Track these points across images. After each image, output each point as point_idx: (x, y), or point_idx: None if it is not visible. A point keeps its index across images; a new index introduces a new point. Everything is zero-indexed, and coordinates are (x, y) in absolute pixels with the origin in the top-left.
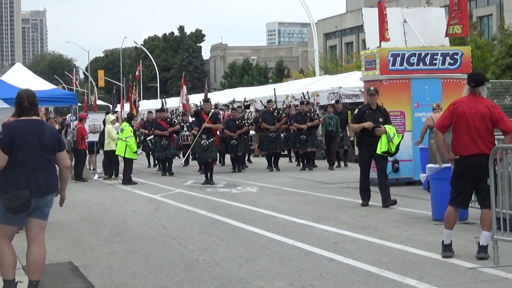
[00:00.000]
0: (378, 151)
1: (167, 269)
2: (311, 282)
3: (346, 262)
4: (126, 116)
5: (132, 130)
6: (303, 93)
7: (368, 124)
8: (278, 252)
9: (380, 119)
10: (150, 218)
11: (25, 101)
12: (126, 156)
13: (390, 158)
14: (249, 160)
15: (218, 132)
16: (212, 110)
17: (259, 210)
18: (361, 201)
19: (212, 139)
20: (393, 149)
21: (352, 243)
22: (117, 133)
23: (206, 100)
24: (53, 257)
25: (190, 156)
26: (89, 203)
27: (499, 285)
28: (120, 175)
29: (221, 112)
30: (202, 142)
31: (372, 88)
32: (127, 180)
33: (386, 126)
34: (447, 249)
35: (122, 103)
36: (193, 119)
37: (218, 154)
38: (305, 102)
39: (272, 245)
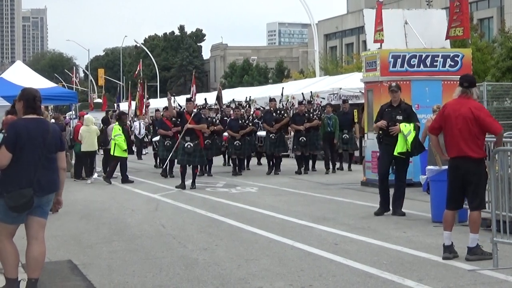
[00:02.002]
0: (395, 153)
1: (167, 268)
2: (310, 282)
3: (346, 263)
4: (116, 115)
5: (121, 129)
6: (302, 93)
7: (381, 124)
8: (277, 253)
9: (399, 117)
10: (150, 217)
11: (38, 100)
12: (115, 154)
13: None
14: (259, 163)
15: (227, 134)
16: (195, 110)
17: (258, 210)
18: (360, 203)
19: (196, 142)
20: (409, 148)
21: (351, 244)
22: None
23: (189, 99)
24: (52, 255)
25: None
26: (89, 202)
27: None
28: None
29: (232, 112)
30: (186, 145)
31: (393, 84)
32: (125, 179)
33: (402, 124)
34: (446, 251)
35: (130, 101)
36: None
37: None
38: (303, 102)
39: (272, 246)
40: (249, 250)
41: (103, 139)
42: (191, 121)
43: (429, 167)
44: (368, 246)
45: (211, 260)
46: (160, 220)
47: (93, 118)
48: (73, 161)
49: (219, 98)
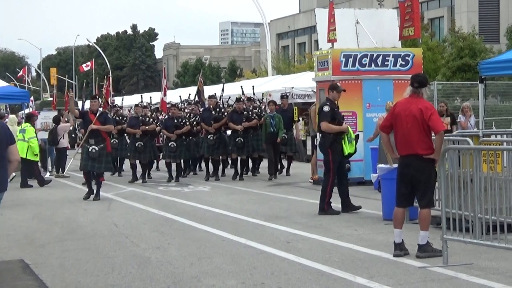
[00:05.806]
0: (346, 153)
1: (119, 267)
2: (262, 280)
3: (298, 261)
4: (25, 116)
5: (35, 131)
6: (241, 86)
7: (345, 128)
8: (230, 251)
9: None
10: (102, 217)
11: None
12: (27, 157)
13: None
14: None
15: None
16: (100, 109)
17: (211, 209)
18: (313, 201)
19: (102, 145)
20: (355, 149)
21: (303, 242)
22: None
23: (94, 97)
24: (4, 254)
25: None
26: (41, 201)
27: (448, 284)
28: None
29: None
30: (90, 149)
31: (339, 84)
32: (25, 184)
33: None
34: (397, 248)
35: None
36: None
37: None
38: (242, 99)
39: (224, 244)
40: (202, 248)
41: (53, 138)
42: (96, 121)
43: (380, 165)
44: (320, 244)
45: (164, 259)
46: (113, 219)
47: (16, 119)
48: None
49: (199, 92)
